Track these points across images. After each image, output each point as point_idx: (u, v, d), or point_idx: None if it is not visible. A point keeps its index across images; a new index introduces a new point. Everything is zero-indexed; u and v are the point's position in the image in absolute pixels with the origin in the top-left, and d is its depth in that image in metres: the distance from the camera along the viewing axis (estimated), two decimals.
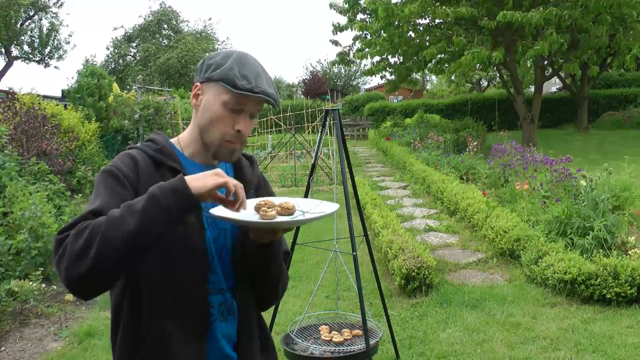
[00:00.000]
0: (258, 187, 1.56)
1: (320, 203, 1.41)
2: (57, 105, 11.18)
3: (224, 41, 41.65)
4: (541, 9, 12.32)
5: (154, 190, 1.21)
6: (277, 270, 1.48)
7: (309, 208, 1.36)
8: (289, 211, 1.30)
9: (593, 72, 15.09)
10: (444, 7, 13.21)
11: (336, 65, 18.60)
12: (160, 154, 1.40)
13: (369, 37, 15.76)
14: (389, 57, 16.97)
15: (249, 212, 1.31)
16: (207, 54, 1.55)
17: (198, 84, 1.42)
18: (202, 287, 1.38)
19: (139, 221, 1.17)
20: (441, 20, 14.55)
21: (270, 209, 1.29)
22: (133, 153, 1.40)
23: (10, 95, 11.22)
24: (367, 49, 16.24)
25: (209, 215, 1.35)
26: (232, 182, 1.23)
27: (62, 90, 18.70)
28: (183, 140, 1.48)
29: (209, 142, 1.40)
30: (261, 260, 1.44)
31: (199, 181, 1.21)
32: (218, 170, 1.25)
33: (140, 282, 1.34)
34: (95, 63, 15.42)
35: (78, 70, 12.75)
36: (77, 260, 1.16)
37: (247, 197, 1.45)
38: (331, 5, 16.44)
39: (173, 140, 1.48)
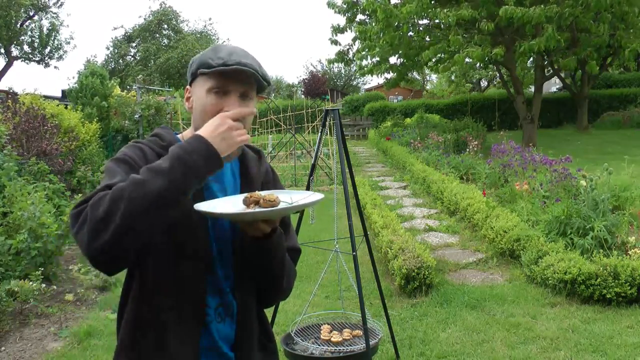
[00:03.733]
0: (266, 182, 1.54)
1: (311, 194, 1.39)
2: (58, 105, 11.17)
3: (224, 41, 41.66)
4: (542, 6, 12.31)
5: (177, 151, 1.22)
6: (278, 265, 1.45)
7: (297, 199, 1.35)
8: (271, 203, 1.28)
9: (593, 69, 15.07)
10: (445, 10, 13.24)
11: (335, 63, 18.65)
12: (165, 151, 1.36)
13: (368, 40, 15.77)
14: (389, 58, 17.00)
15: (237, 206, 1.31)
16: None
17: (188, 87, 1.43)
18: (200, 285, 1.37)
19: (167, 180, 1.17)
20: (441, 21, 14.56)
21: (251, 204, 1.29)
22: (141, 146, 1.39)
23: (10, 96, 11.21)
24: (366, 51, 16.30)
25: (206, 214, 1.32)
26: (238, 117, 1.30)
27: (63, 90, 18.68)
28: (186, 138, 1.45)
29: None
30: (258, 255, 1.40)
31: (224, 142, 1.25)
32: (223, 118, 1.27)
33: (145, 276, 1.35)
34: (96, 63, 15.36)
35: (79, 71, 12.75)
36: (101, 226, 1.13)
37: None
38: (329, 4, 16.42)
39: (179, 136, 1.47)
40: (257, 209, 1.27)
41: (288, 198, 1.34)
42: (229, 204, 1.34)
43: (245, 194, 1.32)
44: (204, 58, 1.37)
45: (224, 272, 1.42)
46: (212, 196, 1.42)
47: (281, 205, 1.29)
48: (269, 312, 3.61)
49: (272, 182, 1.57)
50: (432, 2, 14.41)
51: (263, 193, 1.32)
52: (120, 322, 1.43)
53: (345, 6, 16.35)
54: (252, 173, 1.50)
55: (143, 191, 1.15)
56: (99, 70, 12.76)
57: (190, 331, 1.37)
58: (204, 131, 1.26)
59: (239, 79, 1.36)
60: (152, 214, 1.16)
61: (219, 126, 1.25)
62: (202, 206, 1.29)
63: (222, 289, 1.42)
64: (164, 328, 1.36)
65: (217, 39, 40.86)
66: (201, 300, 1.38)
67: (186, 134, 1.47)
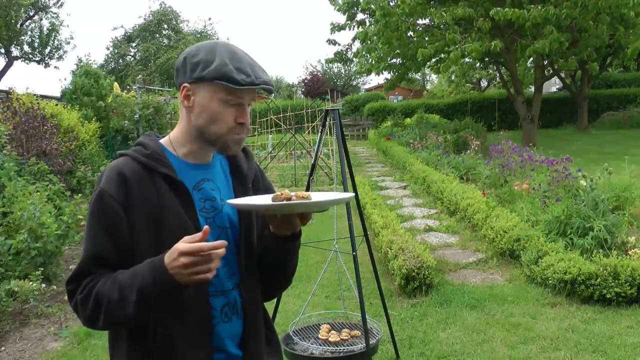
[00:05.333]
0: (255, 180, 1.56)
1: (334, 194, 1.43)
2: (57, 105, 11.17)
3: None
4: (539, 7, 12.31)
5: (143, 284, 1.25)
6: (295, 261, 1.52)
7: (327, 196, 1.38)
8: (305, 199, 1.31)
9: (594, 69, 15.08)
10: (442, 9, 13.25)
11: (334, 63, 18.81)
12: (151, 160, 1.37)
13: (368, 41, 15.86)
14: (388, 58, 17.05)
15: (266, 202, 1.34)
16: (185, 51, 1.48)
17: (187, 84, 1.37)
18: (203, 289, 1.37)
19: (136, 308, 1.27)
20: (436, 21, 14.61)
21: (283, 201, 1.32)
22: (121, 167, 1.36)
23: (9, 95, 11.22)
24: (365, 53, 16.41)
25: (232, 205, 1.37)
26: (197, 252, 1.21)
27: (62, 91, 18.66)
28: (175, 140, 1.44)
29: (214, 138, 1.38)
30: (283, 254, 1.47)
31: (178, 277, 1.23)
32: (179, 254, 1.21)
33: None
34: (90, 62, 15.23)
35: (72, 71, 12.70)
36: (90, 323, 1.34)
37: (244, 191, 1.49)
38: (331, 0, 16.57)
39: (164, 141, 1.45)
40: (301, 201, 1.29)
41: (317, 196, 1.37)
42: (262, 200, 1.37)
43: (272, 194, 1.36)
44: (222, 69, 1.32)
45: (227, 271, 1.43)
46: (205, 195, 1.43)
47: (315, 199, 1.32)
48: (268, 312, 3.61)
49: (261, 178, 1.59)
50: (431, 0, 14.44)
51: (292, 193, 1.35)
52: (114, 343, 1.41)
53: (345, 5, 16.41)
54: (243, 171, 1.52)
55: (117, 313, 1.28)
56: (92, 70, 12.71)
57: (201, 336, 1.37)
58: (167, 260, 1.24)
59: (254, 92, 1.39)
60: (130, 324, 1.34)
61: (174, 261, 1.22)
62: (238, 201, 1.36)
63: (225, 288, 1.42)
64: (169, 343, 1.35)
65: (217, 39, 40.84)
66: (205, 303, 1.38)
67: (174, 137, 1.45)
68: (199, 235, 1.21)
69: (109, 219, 1.32)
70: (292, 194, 1.33)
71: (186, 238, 1.22)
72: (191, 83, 1.36)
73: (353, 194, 1.44)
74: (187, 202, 1.37)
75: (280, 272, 1.53)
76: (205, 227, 1.22)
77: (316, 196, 1.36)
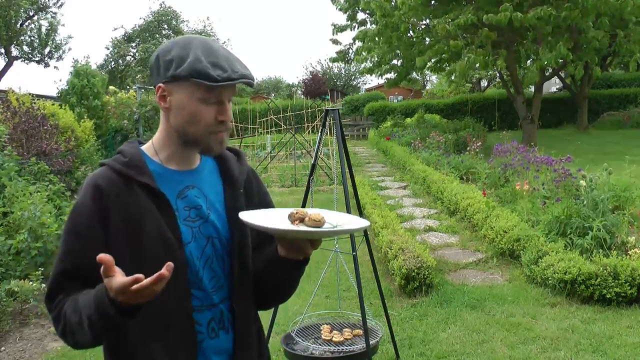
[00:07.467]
0: (248, 184, 1.48)
1: (356, 218, 1.37)
2: (53, 104, 11.16)
3: (224, 42, 41.60)
4: (538, 8, 12.30)
5: (90, 315, 1.19)
6: (297, 283, 1.48)
7: (343, 222, 1.31)
8: (317, 223, 1.24)
9: (597, 73, 15.09)
10: (445, 15, 13.29)
11: (336, 62, 18.94)
12: (127, 168, 1.31)
13: (370, 42, 15.92)
14: (389, 58, 17.11)
15: (281, 221, 1.26)
16: (158, 48, 1.40)
17: (162, 84, 1.30)
18: (185, 304, 1.32)
19: (92, 335, 1.24)
20: (438, 29, 14.67)
21: (296, 220, 1.25)
22: (97, 178, 1.32)
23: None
24: (365, 53, 16.48)
25: (246, 223, 1.27)
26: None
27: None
28: (157, 143, 1.38)
29: (194, 139, 1.31)
30: (290, 276, 1.42)
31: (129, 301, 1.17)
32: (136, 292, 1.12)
33: None
34: (89, 63, 15.10)
35: (70, 72, 12.68)
36: (63, 339, 1.32)
37: (235, 197, 1.42)
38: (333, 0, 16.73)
39: (146, 146, 1.39)
40: (303, 228, 1.23)
41: (332, 218, 1.30)
42: (273, 218, 1.29)
43: (291, 210, 1.28)
44: (196, 65, 1.25)
45: (214, 284, 1.37)
46: (190, 203, 1.36)
47: (326, 225, 1.25)
48: (268, 312, 3.61)
49: (255, 183, 1.51)
50: (432, 1, 14.44)
51: (310, 211, 1.27)
52: (104, 355, 1.39)
53: (346, 4, 16.48)
54: (233, 174, 1.44)
55: (79, 338, 1.27)
56: (85, 70, 12.68)
57: (184, 355, 1.32)
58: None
59: (234, 87, 1.32)
60: (97, 344, 1.30)
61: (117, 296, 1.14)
62: (249, 218, 1.26)
63: (212, 302, 1.36)
64: (155, 352, 1.30)
65: (217, 39, 40.84)
66: (189, 317, 1.32)
67: (156, 141, 1.38)
68: (138, 280, 1.11)
69: (85, 236, 1.28)
70: (308, 210, 1.27)
71: (123, 280, 1.12)
72: (166, 83, 1.30)
73: (368, 223, 1.34)
74: (166, 211, 1.31)
75: (280, 292, 1.50)
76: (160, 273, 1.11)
77: (329, 216, 1.29)
